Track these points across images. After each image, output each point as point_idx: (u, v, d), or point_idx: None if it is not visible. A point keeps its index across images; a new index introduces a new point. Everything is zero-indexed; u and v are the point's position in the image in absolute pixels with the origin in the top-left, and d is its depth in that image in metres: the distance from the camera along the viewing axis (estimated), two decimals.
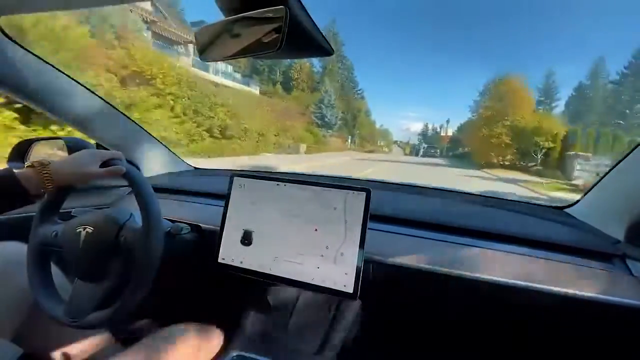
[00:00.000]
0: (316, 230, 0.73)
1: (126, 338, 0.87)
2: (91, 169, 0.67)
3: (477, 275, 0.70)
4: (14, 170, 0.62)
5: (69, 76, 0.97)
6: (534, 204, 1.07)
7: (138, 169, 1.25)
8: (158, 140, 1.31)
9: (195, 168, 1.50)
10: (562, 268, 0.72)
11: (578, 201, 0.93)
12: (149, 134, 1.26)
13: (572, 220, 0.90)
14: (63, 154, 1.07)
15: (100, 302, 0.65)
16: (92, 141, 1.15)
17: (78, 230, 0.68)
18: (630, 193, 0.73)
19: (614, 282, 0.67)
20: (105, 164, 0.70)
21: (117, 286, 0.67)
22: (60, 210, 0.75)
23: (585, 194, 0.89)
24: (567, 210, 0.96)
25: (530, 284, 0.68)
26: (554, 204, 1.01)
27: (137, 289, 0.63)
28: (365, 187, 0.71)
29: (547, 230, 0.83)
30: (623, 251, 0.72)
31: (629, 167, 0.74)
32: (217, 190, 1.07)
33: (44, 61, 0.89)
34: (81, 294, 0.66)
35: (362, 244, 0.69)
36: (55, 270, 0.74)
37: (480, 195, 1.13)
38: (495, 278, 0.70)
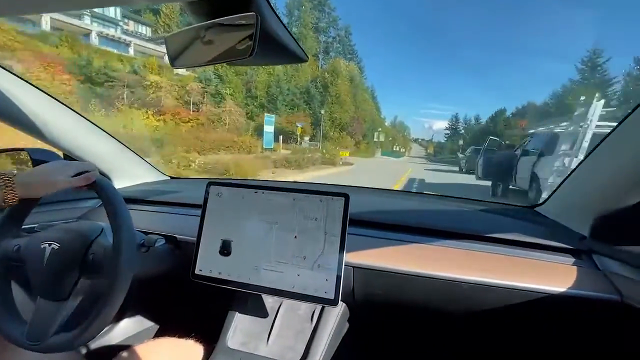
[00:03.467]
0: (296, 237, 0.72)
1: (100, 355, 0.83)
2: (60, 178, 0.64)
3: (456, 275, 0.72)
4: None
5: (34, 86, 0.93)
6: (506, 204, 1.11)
7: (110, 179, 1.20)
8: (131, 150, 1.27)
9: (171, 177, 1.46)
10: (534, 265, 0.74)
11: (547, 199, 0.97)
12: (121, 143, 1.21)
13: (542, 219, 0.94)
14: (27, 166, 1.02)
15: (65, 323, 0.61)
16: (60, 152, 1.10)
17: (42, 245, 0.64)
18: (594, 190, 0.77)
19: (582, 276, 0.70)
20: (76, 176, 0.66)
21: (83, 306, 0.63)
22: (23, 226, 0.71)
23: (553, 192, 0.93)
24: (537, 208, 1.00)
25: (504, 282, 0.70)
26: (525, 204, 1.05)
27: (105, 310, 0.59)
28: (343, 192, 0.71)
29: (519, 228, 0.86)
30: (589, 247, 0.76)
31: (593, 165, 0.78)
32: (193, 199, 1.04)
33: (9, 72, 0.85)
34: (44, 314, 0.62)
35: (342, 249, 0.69)
36: (16, 287, 0.69)
37: (455, 197, 1.16)
38: (473, 278, 0.71)
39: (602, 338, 0.73)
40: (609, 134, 0.72)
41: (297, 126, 21.39)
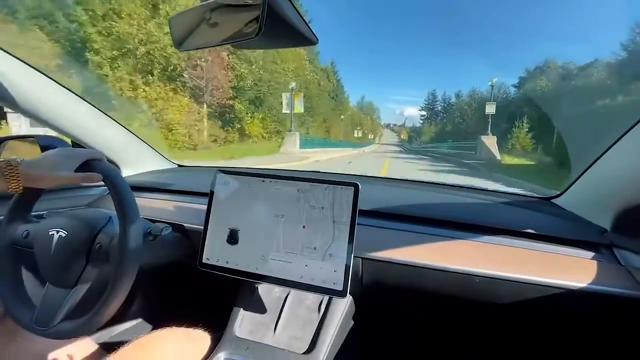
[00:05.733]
0: (304, 227, 0.71)
1: (108, 344, 0.84)
2: (63, 172, 0.62)
3: (469, 268, 0.70)
4: None
5: (42, 72, 0.92)
6: (521, 195, 1.07)
7: (118, 167, 1.20)
8: (139, 138, 1.26)
9: (179, 165, 1.46)
10: (551, 258, 0.72)
11: (565, 191, 0.93)
12: (130, 131, 1.21)
13: (559, 211, 0.90)
14: (36, 154, 1.02)
15: (72, 309, 0.62)
16: (68, 139, 1.10)
17: (51, 232, 0.64)
18: (616, 182, 0.74)
19: (602, 271, 0.68)
20: (82, 165, 0.64)
21: (90, 294, 0.63)
22: (33, 213, 0.71)
23: (572, 183, 0.90)
24: (554, 200, 0.96)
25: (522, 276, 0.67)
26: (541, 195, 1.02)
27: (111, 299, 0.59)
28: (353, 182, 0.69)
29: (535, 221, 0.83)
30: (610, 240, 0.73)
31: (615, 157, 0.74)
32: (201, 188, 1.04)
33: (15, 57, 0.84)
34: (52, 300, 0.62)
35: (351, 240, 0.67)
36: (26, 272, 0.70)
37: (468, 188, 1.13)
38: (486, 271, 0.69)
39: (622, 335, 0.70)
40: (635, 124, 0.68)
41: None
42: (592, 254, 0.72)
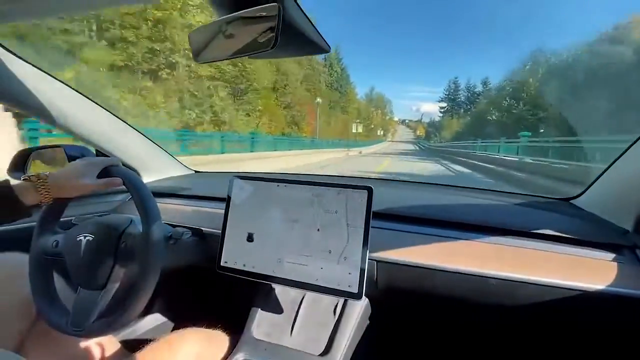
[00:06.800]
0: (319, 230, 0.72)
1: (130, 343, 0.87)
2: (87, 180, 0.68)
3: (485, 271, 0.69)
4: (11, 183, 0.62)
5: (66, 84, 0.97)
6: (539, 196, 1.05)
7: (138, 174, 1.25)
8: (158, 145, 1.31)
9: (196, 171, 1.50)
10: (570, 260, 0.71)
11: (584, 192, 0.92)
12: (149, 139, 1.25)
13: (579, 212, 0.89)
14: (63, 162, 1.07)
15: (104, 310, 0.65)
16: (92, 148, 1.15)
17: (78, 238, 0.68)
18: (637, 182, 0.72)
19: (624, 273, 0.66)
20: (102, 172, 0.70)
21: (120, 292, 0.67)
22: (61, 219, 0.75)
23: (591, 184, 0.88)
24: (573, 201, 0.95)
25: (539, 278, 0.67)
26: (559, 196, 1.00)
27: (140, 294, 0.62)
28: (366, 185, 0.70)
29: (553, 222, 0.82)
30: (633, 241, 0.71)
31: (636, 155, 0.73)
32: (218, 193, 1.06)
33: (40, 70, 0.89)
34: (85, 302, 0.66)
35: (365, 243, 0.68)
36: (58, 279, 0.74)
37: (484, 190, 1.12)
38: (503, 273, 0.68)
39: None
40: None
41: None
42: (613, 255, 0.70)
